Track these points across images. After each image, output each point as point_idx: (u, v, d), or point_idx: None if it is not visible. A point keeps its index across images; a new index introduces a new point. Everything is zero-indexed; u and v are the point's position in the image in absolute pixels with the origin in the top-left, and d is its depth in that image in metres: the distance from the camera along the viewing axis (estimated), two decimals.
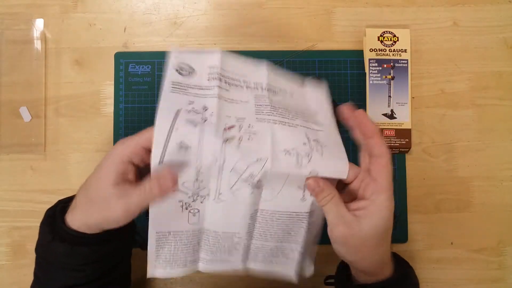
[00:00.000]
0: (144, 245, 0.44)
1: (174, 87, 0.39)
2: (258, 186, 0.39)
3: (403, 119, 0.55)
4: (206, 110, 0.39)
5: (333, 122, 0.43)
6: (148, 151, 0.36)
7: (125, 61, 0.56)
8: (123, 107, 0.55)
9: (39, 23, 0.55)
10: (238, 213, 0.40)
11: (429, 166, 0.56)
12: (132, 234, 0.43)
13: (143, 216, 0.38)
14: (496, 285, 0.56)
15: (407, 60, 0.55)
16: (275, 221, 0.41)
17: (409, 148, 0.55)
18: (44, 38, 0.55)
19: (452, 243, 0.56)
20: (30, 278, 0.53)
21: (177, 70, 0.40)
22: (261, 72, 0.43)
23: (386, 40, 0.55)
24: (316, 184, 0.38)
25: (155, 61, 0.55)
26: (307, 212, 0.41)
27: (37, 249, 0.39)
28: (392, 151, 0.55)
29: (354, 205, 0.39)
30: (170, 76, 0.39)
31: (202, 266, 0.42)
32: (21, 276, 0.54)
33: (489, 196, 0.56)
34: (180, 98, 0.39)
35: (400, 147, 0.55)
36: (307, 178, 0.39)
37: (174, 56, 0.40)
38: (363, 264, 0.39)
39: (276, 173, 0.39)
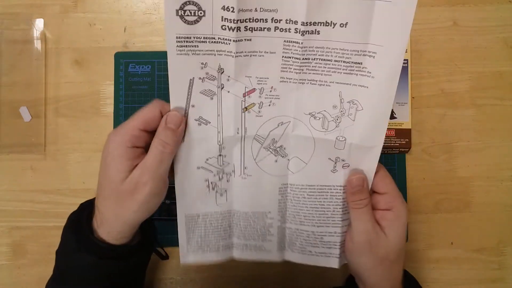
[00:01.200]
0: (164, 256, 0.44)
1: (181, 45, 0.32)
2: (282, 153, 0.37)
3: (403, 119, 0.55)
4: (222, 72, 0.34)
5: (398, 63, 0.34)
6: (148, 132, 0.35)
7: (125, 61, 0.56)
8: (123, 107, 0.55)
9: (39, 23, 0.55)
10: (266, 187, 0.38)
11: (429, 166, 0.56)
12: (153, 246, 0.42)
13: (164, 227, 0.39)
14: (496, 285, 0.56)
15: (407, 60, 0.55)
16: (307, 198, 0.38)
17: (409, 148, 0.55)
18: (44, 38, 0.55)
19: (452, 243, 0.56)
20: (30, 278, 0.53)
21: (180, 15, 0.31)
22: (299, 1, 0.32)
23: None
24: (361, 182, 0.36)
25: (155, 61, 0.55)
26: (340, 186, 0.38)
27: (59, 254, 0.38)
28: (392, 151, 0.55)
29: (377, 214, 0.38)
30: (172, 26, 0.32)
31: (237, 253, 0.40)
32: (21, 276, 0.54)
33: (489, 196, 0.56)
34: (190, 61, 0.33)
35: (400, 147, 0.55)
36: (352, 174, 0.37)
37: None
38: (377, 280, 0.37)
39: (299, 138, 0.36)
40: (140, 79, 0.55)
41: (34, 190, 0.54)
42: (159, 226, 0.53)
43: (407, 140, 0.55)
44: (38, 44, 0.55)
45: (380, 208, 0.38)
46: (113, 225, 0.34)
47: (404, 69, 0.55)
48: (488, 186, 0.56)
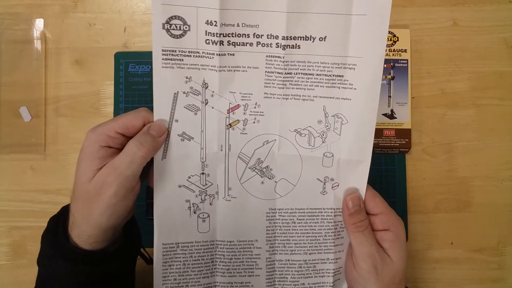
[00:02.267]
0: (149, 260, 0.42)
1: (167, 59, 0.33)
2: (268, 175, 0.36)
3: (403, 119, 0.55)
4: (206, 87, 0.34)
5: (378, 73, 0.35)
6: (125, 136, 0.34)
7: (125, 61, 0.56)
8: (123, 107, 0.55)
9: (39, 23, 0.55)
10: (253, 212, 0.36)
11: (429, 166, 0.56)
12: (137, 252, 0.40)
13: (142, 219, 0.37)
14: (496, 285, 0.56)
15: (407, 60, 0.55)
16: (297, 223, 0.37)
17: (409, 148, 0.55)
18: (44, 38, 0.55)
19: (452, 243, 0.56)
20: (30, 278, 0.53)
21: (166, 29, 0.32)
22: (278, 17, 0.33)
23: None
24: (358, 202, 0.35)
25: None
26: (331, 209, 0.37)
27: (38, 261, 0.36)
28: (392, 151, 0.55)
29: (376, 235, 0.36)
30: (158, 39, 0.32)
31: None
32: (21, 276, 0.54)
33: (489, 196, 0.56)
34: (175, 75, 0.34)
35: (400, 147, 0.55)
36: (347, 195, 0.36)
37: (161, 3, 0.32)
38: None
39: (285, 157, 0.36)
40: (140, 79, 0.55)
41: (34, 190, 0.54)
42: (150, 227, 0.53)
43: (407, 140, 0.55)
44: (38, 44, 0.55)
45: (378, 229, 0.37)
46: (82, 228, 0.33)
47: (404, 69, 0.55)
48: (488, 186, 0.56)
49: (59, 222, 0.35)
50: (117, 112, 0.55)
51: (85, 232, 0.33)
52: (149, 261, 0.43)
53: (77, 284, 0.34)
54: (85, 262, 0.33)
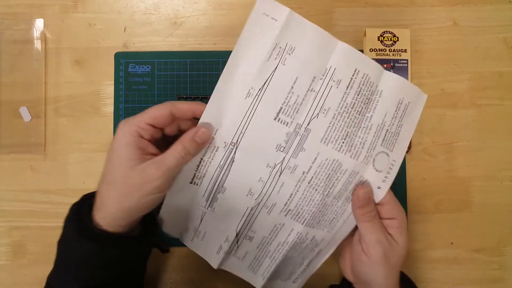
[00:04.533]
0: (165, 250, 0.45)
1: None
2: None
3: None
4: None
5: (404, 142, 0.41)
6: (155, 128, 0.36)
7: (125, 61, 0.56)
8: (123, 107, 0.55)
9: (39, 23, 0.55)
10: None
11: (429, 166, 0.56)
12: (154, 239, 0.42)
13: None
14: (496, 285, 0.56)
15: (407, 60, 0.55)
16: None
17: (409, 148, 0.55)
18: (44, 38, 0.55)
19: (452, 243, 0.56)
20: (30, 278, 0.53)
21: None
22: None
23: (386, 40, 0.55)
24: (368, 195, 0.38)
25: (155, 61, 0.55)
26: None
27: (60, 244, 0.38)
28: None
29: (384, 222, 0.40)
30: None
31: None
32: (21, 276, 0.54)
33: (489, 196, 0.56)
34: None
35: None
36: (359, 188, 0.39)
37: None
38: (385, 286, 0.39)
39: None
40: (140, 79, 0.55)
41: (34, 190, 0.54)
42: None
43: None
44: (38, 44, 0.55)
45: (384, 218, 0.40)
46: (111, 210, 0.35)
47: (404, 69, 0.55)
48: (488, 186, 0.56)
49: (83, 206, 0.37)
50: (117, 112, 0.55)
51: (113, 214, 0.35)
52: (165, 250, 0.45)
53: (100, 265, 0.36)
54: (111, 244, 0.35)
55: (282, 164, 0.38)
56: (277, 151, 0.38)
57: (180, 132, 0.39)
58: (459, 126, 0.57)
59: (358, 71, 0.38)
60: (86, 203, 0.37)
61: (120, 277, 0.38)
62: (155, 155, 0.36)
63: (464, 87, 0.57)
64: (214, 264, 0.43)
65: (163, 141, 0.39)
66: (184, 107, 0.37)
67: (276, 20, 0.36)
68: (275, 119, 0.37)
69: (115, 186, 0.35)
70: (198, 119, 0.37)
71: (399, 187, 0.55)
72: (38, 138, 0.55)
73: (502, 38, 0.58)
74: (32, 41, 0.55)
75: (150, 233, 0.40)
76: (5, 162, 0.54)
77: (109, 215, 0.35)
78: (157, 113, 0.36)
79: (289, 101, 0.37)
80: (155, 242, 0.43)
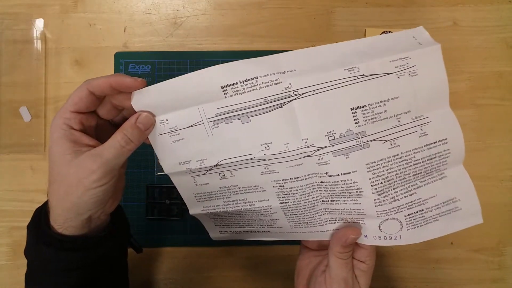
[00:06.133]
0: (139, 249, 0.44)
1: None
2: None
3: None
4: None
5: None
6: (81, 113, 0.34)
7: (125, 61, 0.56)
8: None
9: (39, 23, 0.55)
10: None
11: None
12: (126, 239, 0.41)
13: (142, 219, 0.37)
14: (496, 285, 0.56)
15: None
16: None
17: None
18: (44, 38, 0.55)
19: (452, 243, 0.56)
20: None
21: None
22: None
23: None
24: (355, 240, 0.37)
25: (155, 61, 0.55)
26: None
27: (24, 252, 0.37)
28: None
29: (353, 261, 0.39)
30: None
31: None
32: (21, 276, 0.53)
33: (489, 196, 0.56)
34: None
35: None
36: (347, 231, 0.37)
37: None
38: None
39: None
40: None
41: (34, 190, 0.54)
42: (150, 227, 0.53)
43: None
44: (38, 44, 0.55)
45: (355, 258, 0.39)
46: (57, 211, 0.33)
47: None
48: (488, 186, 0.56)
49: (42, 210, 0.36)
50: None
51: (60, 216, 0.33)
52: (139, 250, 0.44)
53: (64, 270, 0.34)
54: (66, 248, 0.33)
55: (318, 151, 0.35)
56: (325, 136, 0.34)
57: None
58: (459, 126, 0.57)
59: (446, 141, 0.37)
60: (45, 206, 0.36)
61: (93, 282, 0.36)
62: (93, 146, 0.33)
63: (464, 87, 0.57)
64: (166, 170, 0.38)
65: (107, 129, 0.36)
66: (100, 82, 0.33)
67: (419, 43, 0.36)
68: (353, 109, 0.34)
69: (56, 185, 0.33)
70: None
71: None
72: (38, 138, 0.55)
73: (502, 38, 0.58)
74: (32, 41, 0.55)
75: (118, 231, 0.38)
76: (5, 162, 0.54)
77: (57, 217, 0.33)
78: (76, 97, 0.33)
79: (376, 107, 0.34)
80: (125, 241, 0.41)
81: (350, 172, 0.35)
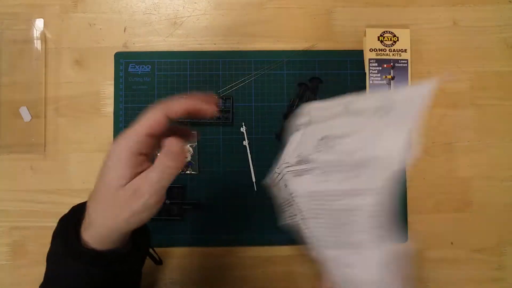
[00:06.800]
0: (159, 262, 0.44)
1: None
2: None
3: None
4: None
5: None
6: (153, 137, 0.33)
7: (125, 61, 0.56)
8: (123, 107, 0.55)
9: (39, 23, 0.55)
10: None
11: (429, 166, 0.56)
12: (147, 251, 0.42)
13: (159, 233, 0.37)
14: (496, 285, 0.56)
15: (407, 60, 0.55)
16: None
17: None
18: (44, 38, 0.55)
19: (452, 243, 0.56)
20: (30, 278, 0.53)
21: None
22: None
23: (386, 40, 0.55)
24: None
25: (155, 61, 0.55)
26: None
27: (48, 259, 0.37)
28: None
29: None
30: None
31: None
32: (21, 276, 0.54)
33: (489, 196, 0.56)
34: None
35: None
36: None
37: None
38: None
39: None
40: (140, 79, 0.55)
41: (34, 190, 0.54)
42: (159, 227, 0.54)
43: None
44: (38, 44, 0.55)
45: None
46: (99, 229, 0.33)
47: (404, 69, 0.55)
48: (488, 186, 0.56)
49: (70, 222, 0.35)
50: (117, 112, 0.55)
51: (101, 233, 0.33)
52: (158, 262, 0.44)
53: (86, 283, 0.34)
54: (96, 264, 0.34)
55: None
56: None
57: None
58: (459, 126, 0.57)
59: None
60: (75, 217, 0.35)
61: None
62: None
63: (464, 87, 0.57)
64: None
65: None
66: (178, 108, 0.33)
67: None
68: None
69: (104, 205, 0.33)
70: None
71: (399, 187, 0.55)
72: (38, 138, 0.55)
73: (502, 38, 0.58)
74: (32, 41, 0.55)
75: (141, 245, 0.38)
76: (5, 162, 0.54)
77: (97, 234, 0.33)
78: (153, 120, 0.33)
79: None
80: (147, 253, 0.41)
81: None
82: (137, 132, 0.33)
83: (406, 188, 0.56)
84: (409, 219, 0.55)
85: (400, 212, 0.55)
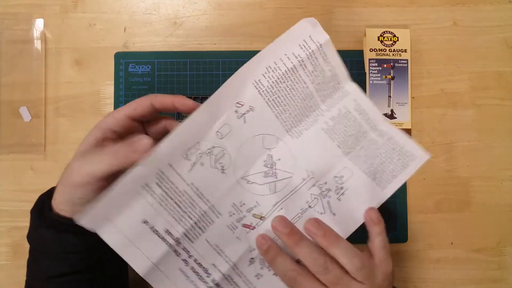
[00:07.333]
0: None
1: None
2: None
3: (403, 119, 0.55)
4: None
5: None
6: (134, 119, 0.36)
7: (125, 61, 0.56)
8: None
9: (39, 23, 0.55)
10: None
11: (429, 166, 0.56)
12: None
13: None
14: (496, 285, 0.56)
15: (407, 60, 0.55)
16: None
17: None
18: (44, 38, 0.55)
19: (452, 243, 0.56)
20: None
21: None
22: None
23: (386, 40, 0.55)
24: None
25: (155, 61, 0.55)
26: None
27: (27, 237, 0.38)
28: None
29: None
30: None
31: None
32: (21, 276, 0.53)
33: (489, 196, 0.56)
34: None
35: None
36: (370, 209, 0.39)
37: None
38: None
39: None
40: (140, 79, 0.55)
41: (34, 190, 0.54)
42: None
43: None
44: (38, 44, 0.55)
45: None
46: (58, 194, 0.36)
47: (404, 69, 0.55)
48: (488, 186, 0.56)
49: (45, 196, 0.38)
50: None
51: (60, 197, 0.35)
52: None
53: (64, 253, 0.36)
54: (65, 230, 0.35)
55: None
56: None
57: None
58: (459, 126, 0.57)
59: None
60: (48, 193, 0.38)
61: (91, 265, 0.37)
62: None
63: (464, 87, 0.57)
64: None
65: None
66: (166, 99, 0.36)
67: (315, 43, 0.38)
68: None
69: (66, 171, 0.36)
70: (182, 114, 0.37)
71: (399, 187, 0.55)
72: (38, 138, 0.55)
73: (502, 38, 0.58)
74: (32, 41, 0.55)
75: None
76: (5, 162, 0.54)
77: (57, 197, 0.36)
78: (137, 104, 0.36)
79: None
80: None
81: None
82: (119, 111, 0.36)
83: (406, 188, 0.56)
84: (409, 219, 0.55)
85: (400, 212, 0.55)
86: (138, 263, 0.35)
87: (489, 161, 0.57)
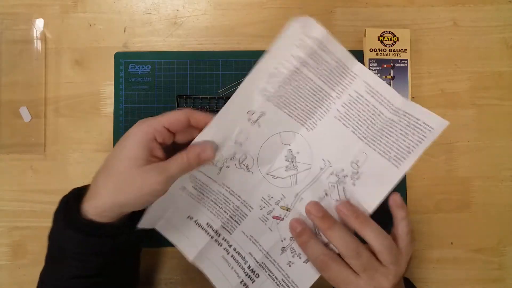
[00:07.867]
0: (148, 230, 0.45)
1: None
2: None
3: None
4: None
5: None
6: (169, 132, 0.38)
7: (125, 61, 0.56)
8: (123, 107, 0.55)
9: (39, 23, 0.55)
10: None
11: (429, 166, 0.56)
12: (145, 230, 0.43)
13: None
14: (496, 285, 0.56)
15: (407, 60, 0.55)
16: None
17: None
18: (44, 38, 0.55)
19: (452, 243, 0.56)
20: (30, 278, 0.53)
21: None
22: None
23: (386, 40, 0.55)
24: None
25: (155, 61, 0.55)
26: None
27: (50, 236, 0.39)
28: None
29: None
30: None
31: None
32: (21, 276, 0.54)
33: (489, 196, 0.56)
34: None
35: None
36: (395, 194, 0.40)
37: None
38: None
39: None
40: (140, 79, 0.55)
41: (34, 190, 0.54)
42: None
43: None
44: (38, 44, 0.55)
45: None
46: (105, 200, 0.36)
47: (404, 69, 0.55)
48: (488, 186, 0.56)
49: (71, 199, 0.38)
50: (117, 112, 0.55)
51: (105, 205, 0.36)
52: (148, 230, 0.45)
53: (88, 255, 0.37)
54: (96, 234, 0.36)
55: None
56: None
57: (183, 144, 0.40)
58: (459, 126, 0.57)
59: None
60: (75, 194, 0.38)
61: (111, 268, 0.38)
62: (160, 159, 0.37)
63: (464, 87, 0.57)
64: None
65: (170, 147, 0.40)
66: (200, 117, 0.38)
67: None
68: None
69: (115, 179, 0.36)
70: None
71: (399, 187, 0.55)
72: (38, 138, 0.55)
73: (502, 38, 0.58)
74: (32, 41, 0.55)
75: (137, 220, 0.41)
76: (5, 162, 0.54)
77: (101, 205, 0.36)
78: (175, 117, 0.38)
79: None
80: (141, 229, 0.43)
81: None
82: (158, 121, 0.37)
83: (406, 188, 0.56)
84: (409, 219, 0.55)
85: None
86: (188, 250, 0.43)
87: (489, 161, 0.57)
